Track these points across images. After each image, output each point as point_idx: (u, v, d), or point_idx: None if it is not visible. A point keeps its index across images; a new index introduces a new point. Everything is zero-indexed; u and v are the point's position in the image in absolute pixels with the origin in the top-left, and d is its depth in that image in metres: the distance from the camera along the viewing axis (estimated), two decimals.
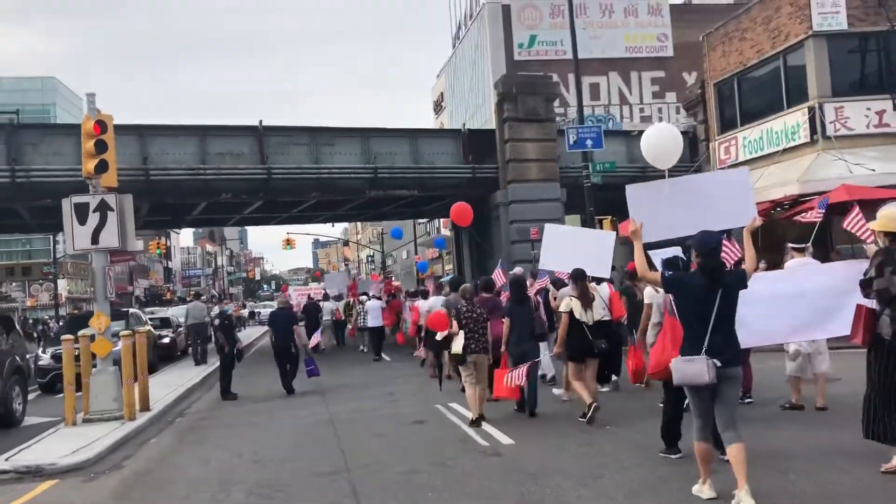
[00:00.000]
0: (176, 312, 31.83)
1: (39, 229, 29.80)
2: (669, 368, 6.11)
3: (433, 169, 25.24)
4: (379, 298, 22.75)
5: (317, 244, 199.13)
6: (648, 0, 43.59)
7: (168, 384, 16.55)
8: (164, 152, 22.85)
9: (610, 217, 22.55)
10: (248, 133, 23.78)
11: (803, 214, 13.90)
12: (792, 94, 21.99)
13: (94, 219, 11.86)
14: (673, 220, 6.94)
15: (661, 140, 8.38)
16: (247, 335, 36.86)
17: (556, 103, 26.93)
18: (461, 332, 9.93)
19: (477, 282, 12.57)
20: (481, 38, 43.38)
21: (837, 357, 9.66)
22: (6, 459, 9.17)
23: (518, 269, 15.07)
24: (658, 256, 8.59)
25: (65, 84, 78.79)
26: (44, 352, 18.77)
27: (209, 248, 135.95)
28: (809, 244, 9.70)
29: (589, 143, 20.32)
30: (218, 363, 15.72)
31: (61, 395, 12.68)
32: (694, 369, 5.60)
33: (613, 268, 11.82)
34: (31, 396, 17.28)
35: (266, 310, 53.71)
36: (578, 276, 9.70)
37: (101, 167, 11.79)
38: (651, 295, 8.17)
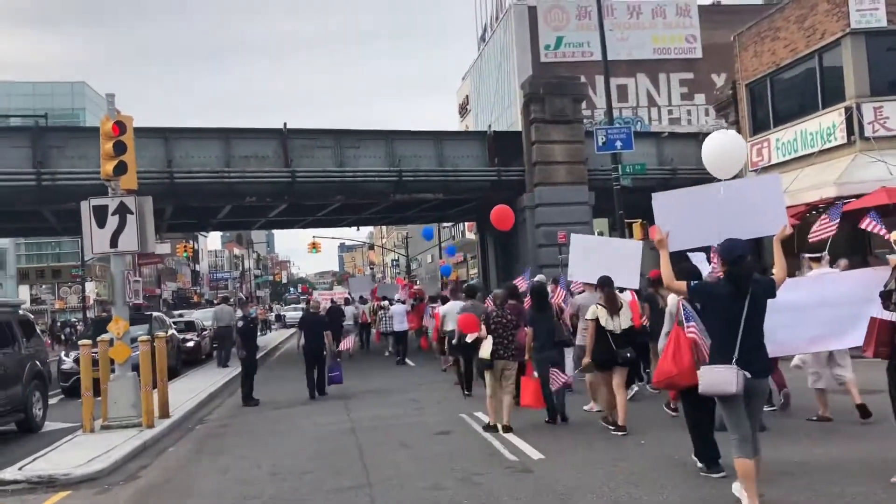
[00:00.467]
0: (201, 316, 31.92)
1: (66, 232, 29.87)
2: (667, 379, 6.42)
3: (458, 172, 24.90)
4: (403, 302, 22.51)
5: (342, 248, 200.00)
6: (677, 1, 42.96)
7: (190, 389, 16.36)
8: (189, 155, 22.79)
9: (640, 220, 22.00)
10: (273, 136, 23.64)
11: (814, 233, 13.33)
12: (828, 94, 21.35)
13: (112, 222, 11.64)
14: (700, 228, 6.80)
15: (727, 148, 8.04)
16: (271, 339, 36.85)
17: (583, 105, 26.47)
18: (489, 337, 9.80)
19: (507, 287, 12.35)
20: (507, 39, 43.03)
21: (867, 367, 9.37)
22: (19, 469, 8.94)
23: (540, 277, 14.82)
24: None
25: (94, 89, 79.52)
26: (67, 355, 18.69)
27: (236, 251, 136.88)
28: (826, 253, 9.44)
29: (619, 144, 19.83)
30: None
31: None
32: (721, 378, 5.46)
33: (641, 274, 11.56)
34: (53, 401, 17.25)
35: (292, 313, 53.81)
36: (605, 284, 9.51)
37: (120, 169, 11.58)
38: (671, 302, 7.79)
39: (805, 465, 7.00)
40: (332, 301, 28.03)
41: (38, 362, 13.21)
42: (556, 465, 7.73)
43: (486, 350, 9.83)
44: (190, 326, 26.36)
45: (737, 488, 5.84)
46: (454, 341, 13.52)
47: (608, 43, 21.95)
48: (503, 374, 9.84)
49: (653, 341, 9.88)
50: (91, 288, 62.38)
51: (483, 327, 9.98)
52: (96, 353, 11.95)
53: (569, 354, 11.33)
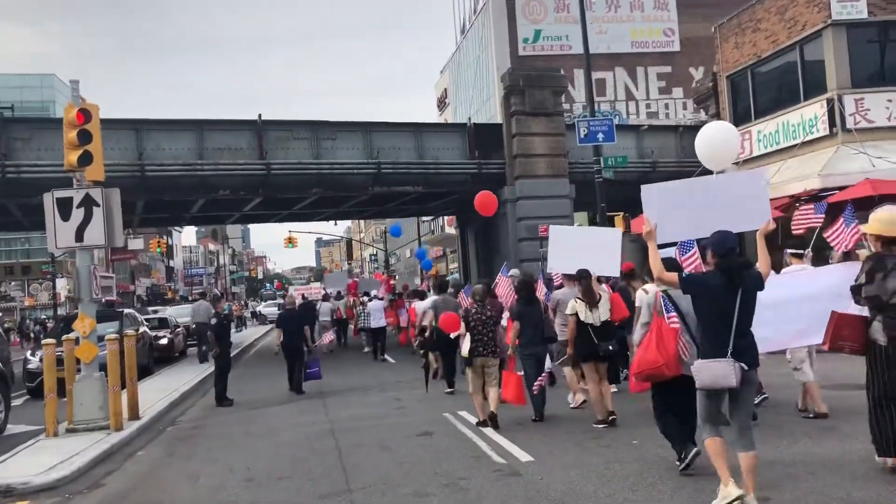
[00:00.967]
0: (174, 312, 31.25)
1: (33, 227, 28.92)
2: (653, 369, 6.39)
3: (438, 164, 24.46)
4: (381, 299, 22.14)
5: (319, 243, 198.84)
6: None
7: (162, 388, 15.83)
8: (161, 147, 22.14)
9: (622, 213, 21.75)
10: (247, 127, 23.05)
11: (797, 222, 13.27)
12: (809, 86, 21.22)
13: (78, 215, 11.06)
14: (688, 220, 6.82)
15: (721, 139, 7.92)
16: (246, 335, 36.24)
17: (562, 99, 26.15)
18: (468, 335, 9.72)
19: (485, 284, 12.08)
20: (486, 33, 42.63)
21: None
22: None
23: (514, 271, 14.57)
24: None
25: (64, 81, 77.88)
26: (33, 354, 18.01)
27: (212, 246, 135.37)
28: (809, 250, 9.44)
29: (600, 136, 19.47)
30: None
31: None
32: (721, 372, 5.42)
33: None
34: (18, 402, 16.64)
35: (269, 309, 53.12)
36: (582, 276, 9.37)
37: (85, 159, 11.00)
38: (640, 298, 7.58)
39: (809, 465, 6.73)
40: (303, 297, 27.51)
41: None
42: (546, 468, 7.35)
43: (465, 348, 9.73)
44: (163, 323, 25.72)
45: (722, 494, 5.63)
46: (425, 335, 13.45)
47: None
48: (485, 371, 9.72)
49: (629, 334, 9.65)
50: (62, 284, 61.08)
51: (462, 325, 9.86)
52: (61, 352, 11.40)
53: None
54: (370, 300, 21.98)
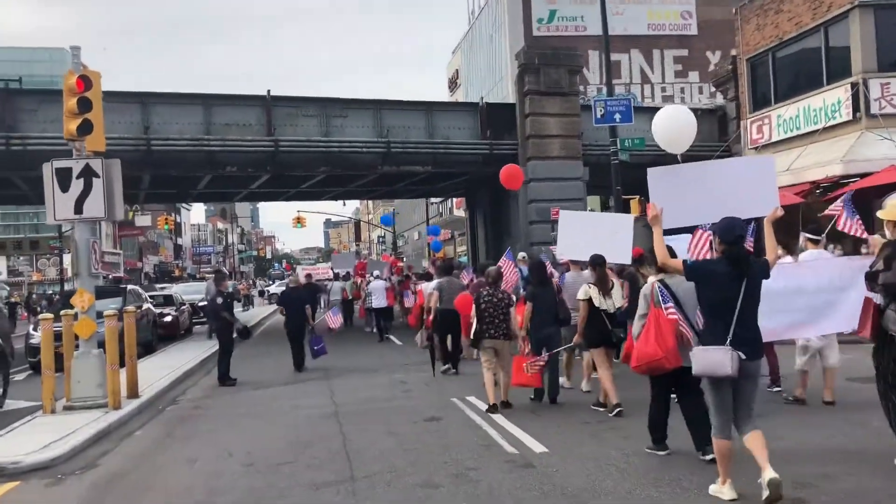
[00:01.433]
0: (181, 290, 30.97)
1: (39, 200, 28.70)
2: (652, 361, 6.30)
3: (449, 144, 23.96)
4: (382, 279, 21.90)
5: (328, 224, 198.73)
6: None
7: (165, 366, 15.53)
8: (167, 122, 21.75)
9: (637, 197, 21.20)
10: (256, 103, 22.61)
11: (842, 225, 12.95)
12: (833, 70, 20.62)
13: (77, 186, 10.67)
14: (694, 205, 6.75)
15: (675, 123, 7.86)
16: (253, 314, 35.98)
17: (577, 80, 25.58)
18: (476, 318, 9.62)
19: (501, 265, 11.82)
20: (499, 12, 41.97)
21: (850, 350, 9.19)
22: None
23: (522, 254, 14.19)
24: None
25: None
26: (35, 329, 17.73)
27: (220, 225, 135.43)
28: (823, 237, 9.18)
29: (617, 117, 18.94)
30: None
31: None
32: (716, 359, 5.36)
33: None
34: (21, 377, 16.40)
35: (280, 289, 52.88)
36: (597, 263, 9.30)
37: (85, 128, 10.59)
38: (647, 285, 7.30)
39: (824, 456, 6.50)
40: (308, 276, 27.24)
41: None
42: (562, 459, 6.95)
43: (473, 330, 9.64)
44: (168, 301, 25.43)
45: (714, 489, 5.67)
46: (431, 318, 13.25)
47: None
48: (497, 354, 9.54)
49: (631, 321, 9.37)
50: (69, 260, 61.08)
51: (473, 307, 9.74)
52: (60, 327, 11.07)
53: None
54: (372, 280, 21.75)
